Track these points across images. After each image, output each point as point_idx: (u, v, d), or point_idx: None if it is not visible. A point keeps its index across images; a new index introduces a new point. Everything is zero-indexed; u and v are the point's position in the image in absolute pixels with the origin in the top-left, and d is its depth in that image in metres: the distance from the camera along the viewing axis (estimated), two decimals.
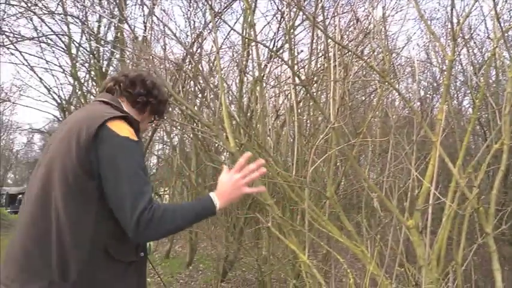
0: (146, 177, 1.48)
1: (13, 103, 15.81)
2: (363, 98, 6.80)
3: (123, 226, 1.40)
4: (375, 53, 4.23)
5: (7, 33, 7.87)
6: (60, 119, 10.93)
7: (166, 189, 11.89)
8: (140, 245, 1.59)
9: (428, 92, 8.05)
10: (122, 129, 1.46)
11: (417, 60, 3.89)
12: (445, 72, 3.30)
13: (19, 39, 8.19)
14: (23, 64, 9.50)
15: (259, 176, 1.68)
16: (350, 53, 3.21)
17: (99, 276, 1.43)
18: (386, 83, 2.86)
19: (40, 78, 9.97)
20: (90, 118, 1.46)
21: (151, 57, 3.44)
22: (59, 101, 10.95)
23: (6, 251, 1.50)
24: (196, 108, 4.54)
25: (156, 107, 1.75)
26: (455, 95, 7.54)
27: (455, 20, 2.64)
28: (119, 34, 8.01)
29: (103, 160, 1.41)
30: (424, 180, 2.45)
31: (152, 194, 1.45)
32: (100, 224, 1.43)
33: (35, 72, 11.34)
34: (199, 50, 6.01)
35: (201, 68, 4.92)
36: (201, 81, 4.68)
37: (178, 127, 5.98)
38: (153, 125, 3.32)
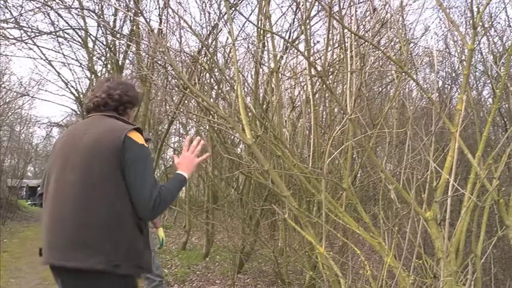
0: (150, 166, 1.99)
1: (32, 97, 16.05)
2: (380, 89, 6.74)
3: (138, 208, 1.88)
4: (392, 43, 4.17)
5: (25, 28, 7.98)
6: (78, 112, 11.07)
7: None
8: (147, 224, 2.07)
9: (447, 82, 7.93)
10: (138, 138, 1.95)
11: (436, 50, 3.82)
12: (465, 62, 3.24)
13: (37, 34, 8.30)
14: (41, 58, 9.64)
15: (201, 148, 2.21)
16: (367, 43, 3.17)
17: (137, 247, 1.91)
18: (404, 74, 2.82)
19: (58, 72, 10.13)
20: (114, 130, 1.93)
21: (167, 49, 3.45)
22: (76, 94, 11.11)
23: (48, 238, 1.92)
24: (212, 100, 4.54)
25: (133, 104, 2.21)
26: (475, 85, 7.41)
27: (475, 8, 2.58)
28: (134, 27, 8.04)
29: (127, 162, 1.87)
30: (442, 171, 2.42)
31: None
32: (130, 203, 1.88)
33: (52, 67, 11.51)
34: (214, 42, 6.01)
35: (216, 60, 4.92)
36: (217, 73, 4.68)
37: (194, 119, 6.00)
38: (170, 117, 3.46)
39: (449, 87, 7.72)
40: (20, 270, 7.76)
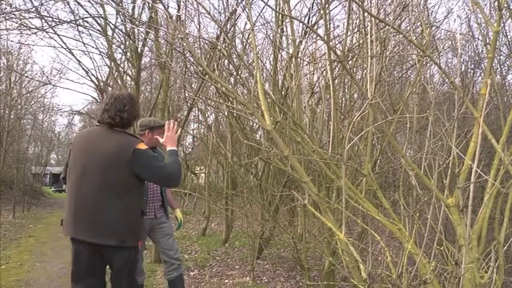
0: (163, 163, 2.87)
1: (54, 86, 16.33)
2: (400, 74, 6.63)
3: (169, 184, 3.21)
4: (414, 27, 4.09)
5: (46, 18, 8.06)
6: (98, 100, 11.20)
7: (202, 168, 12.06)
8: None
9: (470, 67, 7.75)
10: (142, 146, 2.73)
11: (459, 33, 3.72)
12: (489, 45, 3.16)
13: (57, 23, 8.38)
14: (62, 47, 9.75)
15: (175, 125, 3.07)
16: (387, 27, 3.11)
17: (139, 227, 2.82)
18: (426, 58, 2.76)
19: (78, 60, 10.23)
20: (125, 145, 2.69)
21: (185, 36, 3.44)
22: (96, 82, 11.23)
23: (73, 218, 2.72)
24: (230, 86, 4.53)
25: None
26: (499, 69, 7.22)
27: None
28: (153, 14, 8.04)
29: (140, 164, 2.68)
30: (465, 157, 2.38)
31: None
32: (139, 197, 2.80)
33: (73, 55, 11.65)
34: (233, 28, 5.98)
35: (235, 46, 4.90)
36: (235, 60, 4.66)
37: (213, 106, 6.01)
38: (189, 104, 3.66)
39: (472, 71, 7.54)
40: (45, 254, 7.97)
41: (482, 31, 5.99)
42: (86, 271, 2.76)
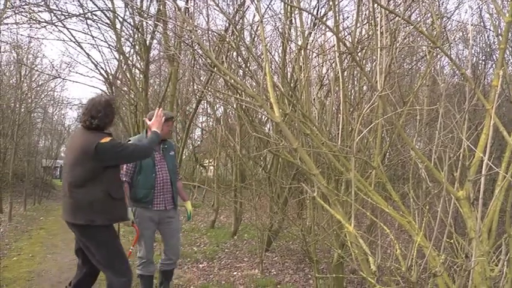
0: (123, 143, 3.43)
1: (63, 79, 16.42)
2: (410, 66, 6.57)
3: (142, 158, 3.70)
4: (424, 18, 4.04)
5: (55, 11, 8.09)
6: (107, 93, 11.24)
7: (210, 160, 12.10)
8: (122, 188, 3.53)
9: (481, 58, 7.65)
10: (106, 140, 3.21)
11: (470, 24, 3.67)
12: (501, 36, 3.11)
13: (66, 17, 8.41)
14: (71, 41, 9.78)
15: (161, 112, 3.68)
16: (397, 18, 3.08)
17: (107, 208, 3.24)
18: (437, 49, 2.73)
19: (87, 54, 10.29)
20: (89, 143, 3.18)
21: (194, 28, 3.44)
22: (105, 76, 11.26)
23: (62, 203, 3.43)
24: (239, 79, 4.52)
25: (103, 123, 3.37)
26: (511, 61, 7.12)
27: None
28: (161, 7, 8.04)
29: (104, 155, 3.19)
30: (476, 150, 2.35)
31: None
32: (104, 183, 3.24)
33: (82, 49, 11.68)
34: (241, 20, 5.96)
35: (243, 38, 4.88)
36: (244, 52, 4.65)
37: (222, 98, 6.01)
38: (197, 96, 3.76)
39: (483, 63, 7.45)
40: (56, 246, 8.06)
41: (494, 21, 5.89)
42: (80, 248, 3.46)
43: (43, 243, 8.36)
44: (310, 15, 5.35)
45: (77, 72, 28.68)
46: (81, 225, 3.24)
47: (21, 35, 16.99)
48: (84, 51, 11.36)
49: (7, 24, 8.72)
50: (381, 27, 2.76)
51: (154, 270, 4.33)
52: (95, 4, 8.89)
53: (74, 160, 3.27)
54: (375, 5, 2.84)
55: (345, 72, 4.29)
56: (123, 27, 9.63)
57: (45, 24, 8.26)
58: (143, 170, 4.15)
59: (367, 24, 4.34)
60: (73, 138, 3.47)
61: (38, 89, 16.24)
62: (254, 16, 6.54)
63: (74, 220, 3.25)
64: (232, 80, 3.19)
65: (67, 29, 9.32)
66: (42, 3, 7.80)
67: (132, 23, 9.26)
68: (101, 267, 3.40)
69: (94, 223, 3.21)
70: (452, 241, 2.40)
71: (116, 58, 12.08)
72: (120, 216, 3.45)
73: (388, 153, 4.21)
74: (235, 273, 5.84)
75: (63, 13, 8.22)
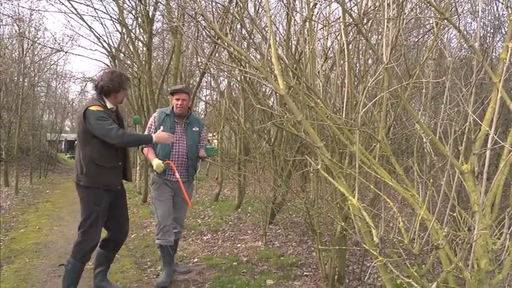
0: (108, 120, 3.54)
1: (66, 52, 16.30)
2: (417, 39, 6.47)
3: (111, 142, 3.55)
4: None
5: None
6: (111, 66, 11.17)
7: (214, 134, 12.10)
8: (118, 157, 3.74)
9: (489, 31, 7.52)
10: (95, 108, 3.53)
11: None
12: (510, 8, 3.04)
13: None
14: (73, 13, 9.67)
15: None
16: None
17: (92, 172, 3.56)
18: (445, 21, 2.67)
19: (90, 26, 10.14)
20: (83, 107, 3.61)
21: None
22: (108, 49, 11.15)
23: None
24: (243, 51, 4.47)
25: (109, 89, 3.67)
26: None
27: None
28: None
29: (89, 122, 3.50)
30: (482, 123, 2.33)
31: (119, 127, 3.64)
32: (91, 149, 3.55)
33: (84, 21, 11.56)
34: None
35: (248, 9, 4.80)
36: (248, 24, 4.58)
37: (226, 72, 5.96)
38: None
39: (491, 36, 7.33)
40: (62, 218, 8.18)
41: None
42: None
43: (49, 216, 8.47)
44: None
45: (79, 45, 28.40)
46: (75, 182, 3.69)
47: (23, 7, 16.80)
48: (87, 23, 11.27)
49: None
50: None
51: (173, 240, 4.39)
52: None
53: (77, 120, 3.65)
54: None
55: (351, 44, 4.23)
56: None
57: None
58: None
59: None
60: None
61: (41, 62, 16.18)
62: None
63: (73, 178, 3.73)
64: (237, 52, 3.15)
65: (68, 0, 9.21)
66: None
67: None
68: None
69: (80, 183, 3.61)
70: (455, 214, 2.40)
71: (118, 31, 11.96)
72: (104, 183, 3.64)
73: (392, 127, 4.19)
74: (239, 245, 5.92)
75: None
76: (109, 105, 3.70)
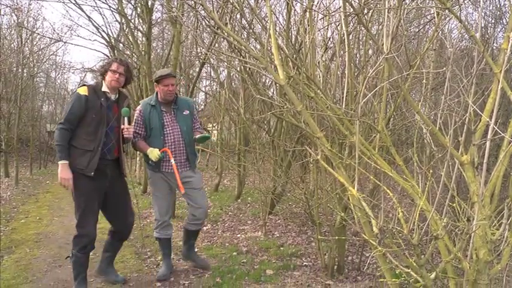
0: (73, 109, 3.53)
1: (65, 43, 16.26)
2: (418, 29, 6.43)
3: None
4: None
5: None
6: (110, 57, 11.12)
7: (214, 124, 12.09)
8: (95, 143, 3.57)
9: (490, 22, 7.48)
10: (79, 90, 3.59)
11: None
12: None
13: None
14: (71, 2, 9.60)
15: None
16: None
17: (75, 158, 3.53)
18: (446, 11, 2.65)
19: (88, 16, 10.10)
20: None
21: None
22: (107, 39, 11.10)
23: None
24: (243, 41, 4.45)
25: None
26: None
27: None
28: None
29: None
30: (482, 114, 2.33)
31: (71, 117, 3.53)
32: (80, 133, 3.55)
33: (83, 11, 11.53)
34: None
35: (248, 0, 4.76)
36: (248, 14, 4.55)
37: (226, 62, 5.93)
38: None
39: (493, 26, 7.29)
40: (62, 209, 8.20)
41: None
42: None
43: (50, 207, 8.50)
44: None
45: (78, 36, 28.29)
46: None
47: None
48: (85, 13, 11.16)
49: None
50: None
51: (171, 233, 4.34)
52: None
53: None
54: None
55: (351, 34, 4.21)
56: None
57: None
58: (152, 132, 4.06)
59: None
60: None
61: (40, 53, 16.11)
62: None
63: None
64: (236, 42, 3.13)
65: None
66: None
67: None
68: None
69: (72, 169, 3.53)
70: (454, 205, 2.41)
71: (117, 21, 11.90)
72: (77, 165, 3.52)
73: (392, 118, 4.18)
74: (238, 235, 5.94)
75: None
76: (104, 88, 3.69)
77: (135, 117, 4.15)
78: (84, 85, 3.62)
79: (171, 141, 4.06)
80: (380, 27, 4.78)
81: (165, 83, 4.03)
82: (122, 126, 3.77)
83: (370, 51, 4.82)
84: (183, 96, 4.94)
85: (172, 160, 3.94)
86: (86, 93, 3.55)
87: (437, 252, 4.55)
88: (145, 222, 6.81)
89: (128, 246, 5.35)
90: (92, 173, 3.56)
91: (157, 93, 4.14)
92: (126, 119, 3.79)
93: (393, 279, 2.42)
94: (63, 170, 3.47)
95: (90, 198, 3.60)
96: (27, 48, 14.29)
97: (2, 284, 4.00)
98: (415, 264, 2.07)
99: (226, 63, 6.31)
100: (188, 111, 4.19)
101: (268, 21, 2.49)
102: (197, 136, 4.09)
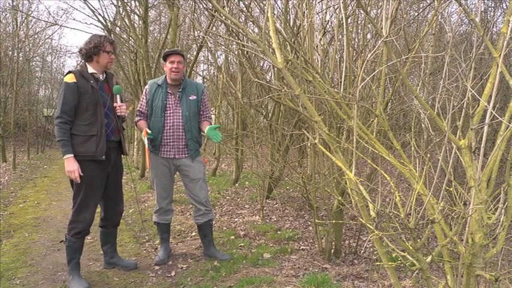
0: (66, 99, 3.45)
1: (60, 26, 16.08)
2: (417, 13, 6.39)
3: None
4: None
5: None
6: None
7: (212, 109, 12.04)
8: (97, 126, 3.51)
9: (490, 6, 7.42)
10: (67, 78, 3.50)
11: None
12: None
13: None
14: None
15: None
16: None
17: (76, 145, 3.48)
18: None
19: None
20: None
21: None
22: (104, 22, 10.97)
23: None
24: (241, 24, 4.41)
25: (88, 51, 3.60)
26: None
27: None
28: None
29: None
30: (481, 98, 2.32)
31: (67, 108, 3.47)
32: (78, 121, 3.50)
33: None
34: None
35: None
36: None
37: (223, 46, 5.88)
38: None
39: (493, 10, 7.24)
40: (60, 194, 8.21)
41: None
42: None
43: (48, 191, 8.51)
44: None
45: (74, 19, 27.99)
46: None
47: None
48: None
49: None
50: None
51: (171, 218, 4.32)
52: None
53: None
54: None
55: (349, 18, 4.18)
56: None
57: None
58: (154, 112, 4.00)
59: None
60: None
61: (36, 36, 15.95)
62: None
63: None
64: (234, 25, 3.10)
65: None
66: None
67: None
68: None
69: (75, 157, 3.49)
70: (451, 189, 2.42)
71: (113, 4, 11.77)
72: (84, 152, 3.49)
73: (390, 102, 4.17)
74: (236, 219, 5.97)
75: None
76: (90, 69, 3.58)
77: (141, 97, 4.16)
78: (70, 72, 3.51)
79: (170, 125, 3.99)
80: (379, 10, 4.74)
81: (170, 59, 3.99)
82: (115, 104, 3.70)
83: (369, 35, 4.79)
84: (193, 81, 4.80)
85: (146, 142, 3.87)
86: (75, 80, 3.47)
87: (434, 236, 4.60)
88: (143, 206, 6.83)
89: (126, 230, 5.38)
90: (103, 157, 3.54)
91: (166, 78, 4.11)
92: (118, 96, 3.73)
93: (389, 263, 2.43)
94: (68, 163, 3.43)
95: (92, 185, 3.56)
96: (22, 32, 14.15)
97: (1, 267, 4.02)
98: (411, 247, 2.08)
99: (223, 47, 6.25)
100: (195, 97, 4.08)
101: (266, 4, 2.46)
102: (206, 130, 3.95)
